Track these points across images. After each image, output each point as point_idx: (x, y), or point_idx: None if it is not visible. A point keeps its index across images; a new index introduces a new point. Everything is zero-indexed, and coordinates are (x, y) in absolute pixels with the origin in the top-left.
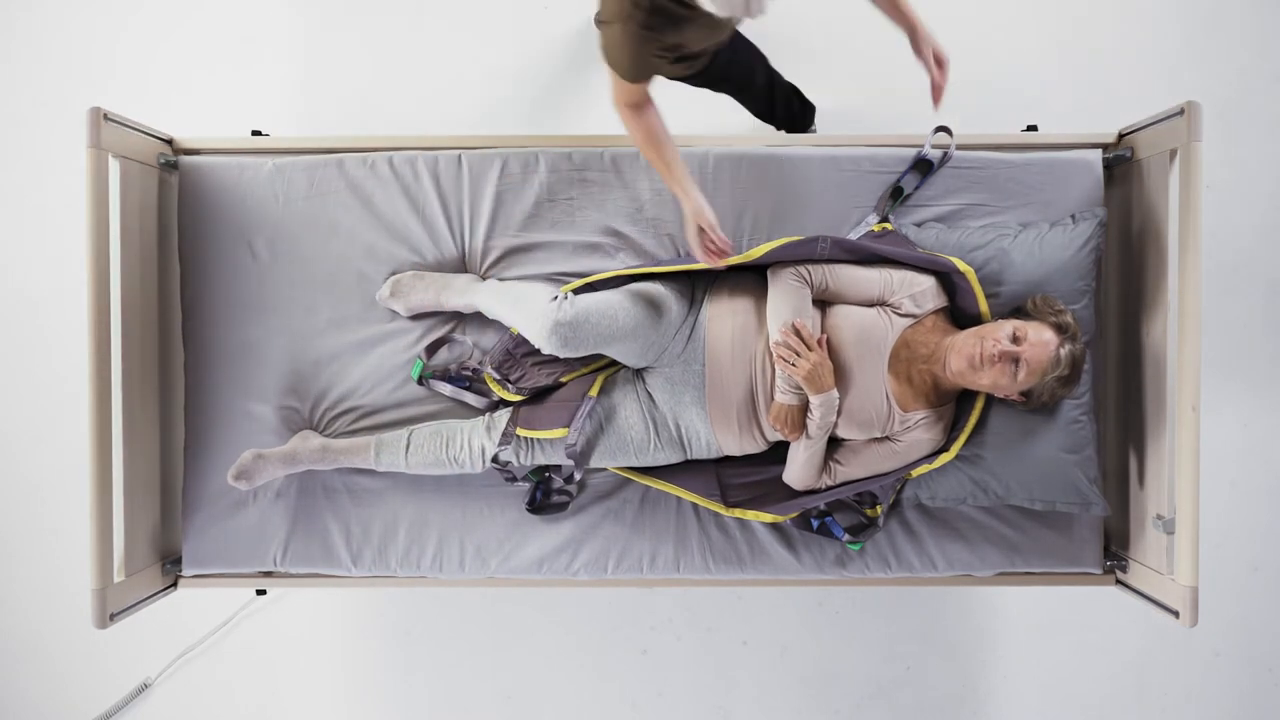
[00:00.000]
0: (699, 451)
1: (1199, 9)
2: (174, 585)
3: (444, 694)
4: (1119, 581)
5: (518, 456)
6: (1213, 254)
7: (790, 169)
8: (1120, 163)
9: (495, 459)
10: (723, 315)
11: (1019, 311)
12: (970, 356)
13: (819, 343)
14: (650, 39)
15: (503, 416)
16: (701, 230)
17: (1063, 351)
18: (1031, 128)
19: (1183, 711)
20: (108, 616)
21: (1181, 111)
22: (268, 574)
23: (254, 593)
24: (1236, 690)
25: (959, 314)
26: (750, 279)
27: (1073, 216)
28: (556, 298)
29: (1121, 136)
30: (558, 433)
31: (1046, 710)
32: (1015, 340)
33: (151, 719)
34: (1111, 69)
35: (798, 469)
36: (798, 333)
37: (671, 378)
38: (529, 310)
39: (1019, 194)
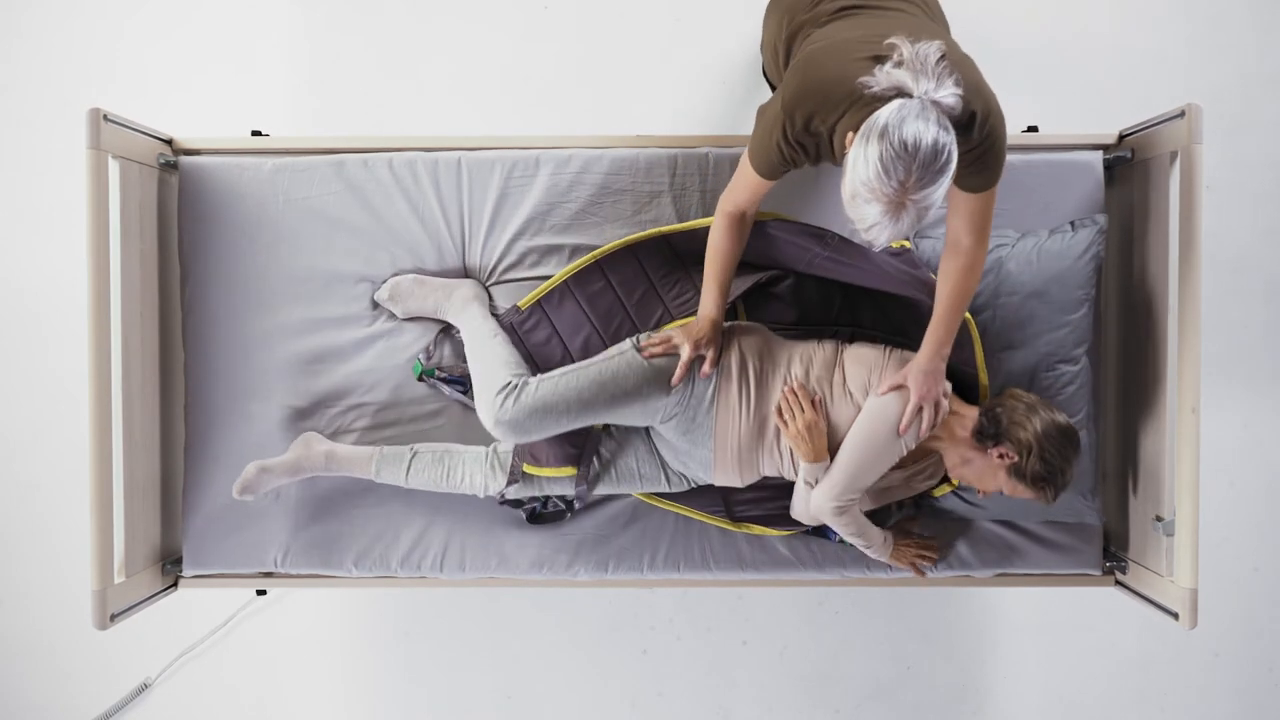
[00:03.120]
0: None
1: (1200, 9)
2: (174, 585)
3: (444, 694)
4: (1118, 583)
5: (523, 491)
6: (1213, 254)
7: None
8: (1121, 164)
9: (503, 495)
10: (732, 392)
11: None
12: (958, 479)
13: (815, 404)
14: (791, 157)
15: (506, 454)
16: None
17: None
18: (1032, 129)
19: (1182, 711)
20: (108, 617)
21: (1182, 114)
22: (268, 574)
23: (254, 593)
24: (1236, 690)
25: (956, 368)
26: (761, 340)
27: (1072, 224)
28: (505, 388)
29: (1122, 137)
30: (566, 471)
31: (1046, 710)
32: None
33: (151, 719)
34: (1112, 69)
35: (802, 513)
36: (796, 393)
37: (676, 447)
38: (482, 389)
39: (1019, 195)
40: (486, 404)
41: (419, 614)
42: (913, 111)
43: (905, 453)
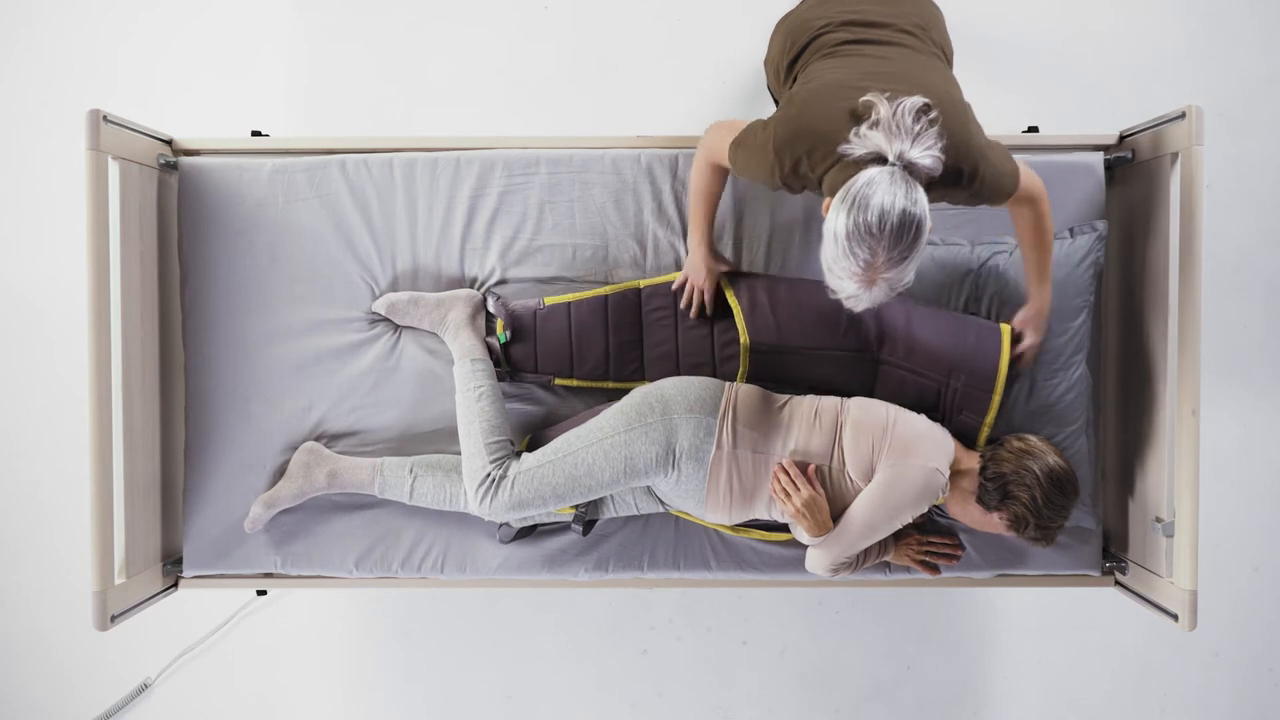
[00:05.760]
0: None
1: (1200, 9)
2: (175, 586)
3: (444, 694)
4: (1118, 584)
5: (521, 522)
6: (1213, 254)
7: None
8: (1121, 164)
9: (501, 539)
10: (721, 477)
11: (1005, 482)
12: (959, 519)
13: (810, 474)
14: (776, 187)
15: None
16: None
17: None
18: (1032, 129)
19: (1182, 711)
20: (108, 619)
21: (1183, 115)
22: (268, 575)
23: (254, 593)
24: (1236, 690)
25: (958, 423)
26: (757, 404)
27: (1070, 230)
28: (485, 483)
29: (1123, 138)
30: (564, 511)
31: (1046, 710)
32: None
33: (151, 719)
34: (1112, 69)
35: (812, 568)
36: (787, 470)
37: (668, 505)
38: (466, 470)
39: None
40: (470, 492)
41: (419, 614)
42: (883, 183)
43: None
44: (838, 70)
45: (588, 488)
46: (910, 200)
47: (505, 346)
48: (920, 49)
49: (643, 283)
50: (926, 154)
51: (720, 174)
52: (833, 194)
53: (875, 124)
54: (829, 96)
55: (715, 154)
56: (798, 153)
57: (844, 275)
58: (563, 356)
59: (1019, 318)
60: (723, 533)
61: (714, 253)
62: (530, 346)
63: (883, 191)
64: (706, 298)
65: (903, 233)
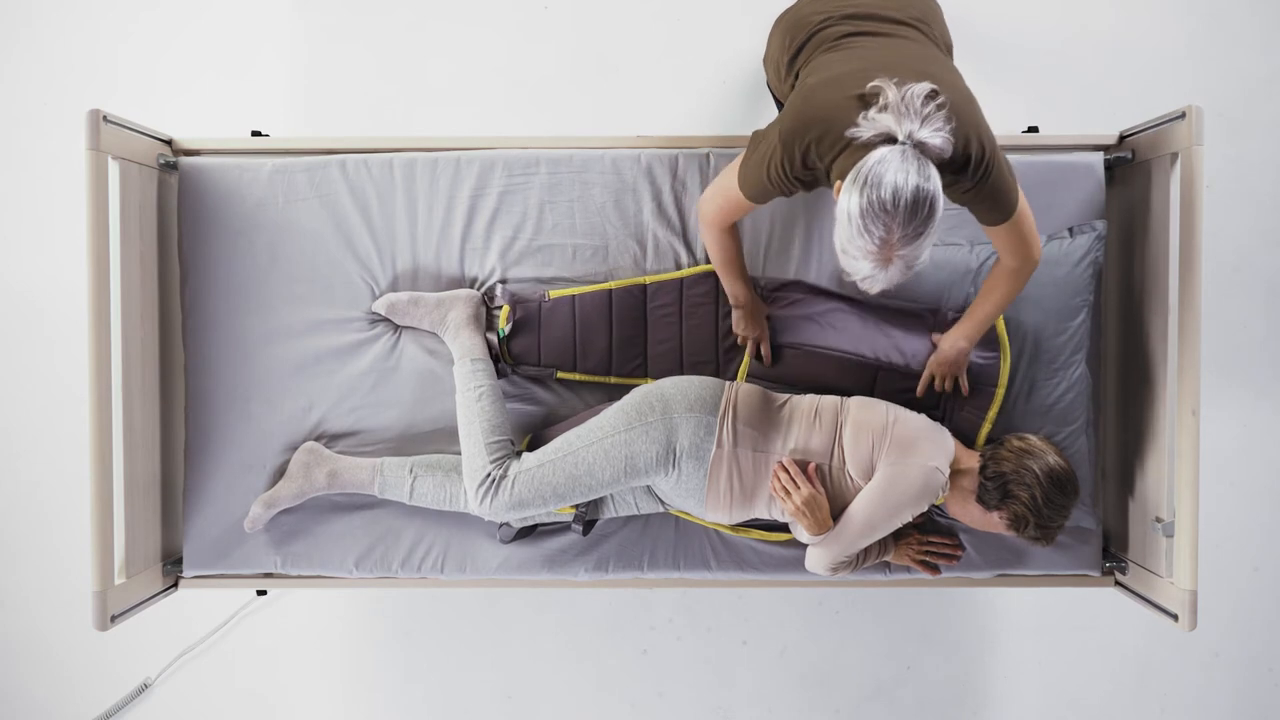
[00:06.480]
0: None
1: (1200, 9)
2: (175, 586)
3: (444, 694)
4: (1118, 584)
5: (522, 522)
6: (1213, 254)
7: None
8: (1121, 164)
9: (501, 539)
10: (722, 476)
11: (1005, 481)
12: (959, 519)
13: (810, 472)
14: (785, 188)
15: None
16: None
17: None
18: (1032, 129)
19: (1182, 711)
20: (108, 619)
21: (1183, 115)
22: (268, 575)
23: (254, 593)
24: (1236, 690)
25: (959, 421)
26: (757, 404)
27: (1070, 230)
28: (485, 483)
29: (1123, 138)
30: (564, 511)
31: (1046, 710)
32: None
33: (151, 719)
34: (1112, 69)
35: (812, 567)
36: (787, 468)
37: (668, 505)
38: (466, 470)
39: None
40: (470, 492)
41: (419, 614)
42: (894, 161)
43: (912, 519)
44: (841, 62)
45: (588, 487)
46: (923, 176)
47: (507, 340)
48: (921, 40)
49: (648, 279)
50: (936, 134)
51: (731, 236)
52: (843, 178)
53: (884, 108)
54: (834, 86)
55: (720, 215)
56: (806, 141)
57: (859, 255)
58: (566, 349)
59: (941, 350)
60: (723, 533)
61: (759, 298)
62: (534, 338)
63: (895, 169)
64: (764, 348)
65: (917, 208)
